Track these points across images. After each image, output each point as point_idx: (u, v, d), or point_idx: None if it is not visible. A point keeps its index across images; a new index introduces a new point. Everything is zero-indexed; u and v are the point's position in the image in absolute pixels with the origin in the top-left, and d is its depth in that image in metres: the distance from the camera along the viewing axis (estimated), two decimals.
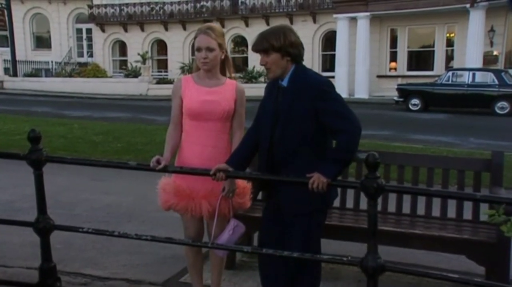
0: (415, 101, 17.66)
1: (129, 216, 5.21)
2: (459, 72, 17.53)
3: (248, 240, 3.66)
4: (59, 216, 5.11)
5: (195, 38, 2.90)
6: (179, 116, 2.96)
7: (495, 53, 21.64)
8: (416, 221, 3.47)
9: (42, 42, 32.37)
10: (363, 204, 3.69)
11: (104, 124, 12.66)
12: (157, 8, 28.81)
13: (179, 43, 28.95)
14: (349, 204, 3.73)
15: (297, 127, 2.53)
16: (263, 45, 2.57)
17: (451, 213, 3.49)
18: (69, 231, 3.16)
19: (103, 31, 30.52)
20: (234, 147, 2.88)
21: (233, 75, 3.05)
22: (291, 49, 2.55)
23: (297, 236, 2.61)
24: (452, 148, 9.72)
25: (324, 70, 24.82)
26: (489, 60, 21.07)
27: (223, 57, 2.93)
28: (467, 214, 3.46)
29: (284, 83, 2.61)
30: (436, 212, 3.53)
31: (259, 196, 3.42)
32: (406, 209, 3.58)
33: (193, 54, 28.62)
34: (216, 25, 2.97)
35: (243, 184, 2.98)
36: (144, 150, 8.86)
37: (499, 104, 16.44)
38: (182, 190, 2.88)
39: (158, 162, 2.77)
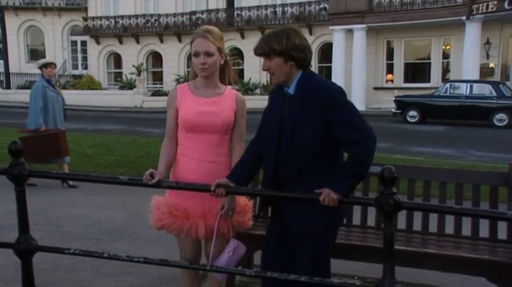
0: (413, 113, 17.53)
1: (121, 232, 4.95)
2: (456, 84, 17.43)
3: (248, 259, 3.41)
4: (47, 233, 4.89)
5: (191, 42, 2.65)
6: (175, 128, 2.72)
7: (491, 65, 21.64)
8: (429, 239, 3.23)
9: (36, 54, 32.09)
10: (371, 220, 3.51)
11: (98, 137, 12.41)
12: (152, 20, 28.76)
13: (174, 55, 28.86)
14: (356, 220, 3.50)
15: (305, 139, 2.30)
16: (263, 48, 2.35)
17: (466, 230, 3.26)
18: (54, 253, 2.88)
19: (98, 43, 30.42)
20: (234, 162, 2.65)
21: (233, 82, 2.82)
22: (295, 53, 2.31)
23: (304, 258, 2.37)
24: (453, 161, 9.53)
25: None
26: (485, 72, 21.07)
27: (222, 62, 2.71)
28: (483, 232, 3.23)
29: (291, 90, 2.37)
30: (449, 229, 3.30)
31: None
32: (417, 225, 3.35)
33: (188, 66, 28.57)
34: (214, 27, 2.74)
35: (244, 202, 2.74)
36: (138, 163, 8.62)
37: (498, 116, 16.31)
38: (177, 208, 2.64)
39: (152, 175, 2.54)
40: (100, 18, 29.84)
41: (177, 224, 2.63)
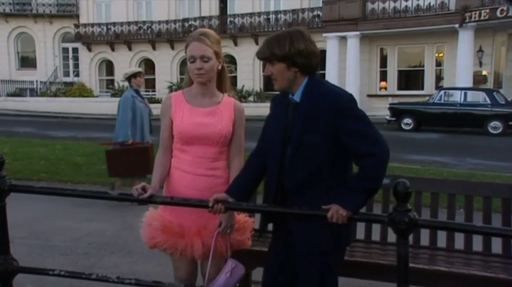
0: (407, 120, 17.44)
1: (112, 246, 4.73)
2: (451, 92, 17.38)
3: (246, 277, 3.21)
4: (33, 248, 4.66)
5: (186, 47, 2.47)
6: (169, 139, 2.53)
7: (484, 73, 21.70)
8: (437, 255, 3.06)
9: (27, 61, 31.82)
10: (375, 235, 3.33)
11: (89, 145, 12.15)
12: (145, 27, 28.59)
13: (167, 63, 28.69)
14: (359, 234, 3.31)
15: (312, 150, 2.11)
16: (265, 53, 2.18)
17: (476, 245, 3.09)
18: (37, 274, 2.67)
19: (89, 50, 30.19)
20: (233, 175, 2.47)
21: (229, 90, 2.64)
22: (299, 59, 2.13)
23: (311, 279, 2.18)
24: (451, 169, 9.40)
25: None
26: (478, 80, 21.12)
27: (219, 67, 2.53)
28: (495, 247, 3.06)
29: (296, 97, 2.19)
30: (458, 243, 3.13)
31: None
32: (424, 240, 3.18)
33: (181, 73, 28.43)
34: (210, 30, 2.56)
35: (243, 218, 2.55)
36: None
37: (492, 123, 16.26)
38: (171, 226, 2.44)
39: (144, 189, 2.35)
40: (92, 25, 29.62)
41: (171, 243, 2.44)
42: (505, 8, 19.19)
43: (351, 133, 2.06)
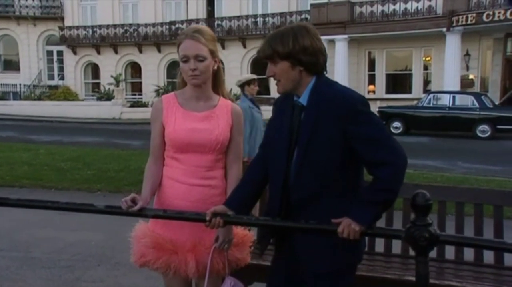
0: (396, 124, 17.38)
1: (98, 257, 4.48)
2: (439, 95, 17.38)
3: None
4: (13, 260, 4.37)
5: (178, 45, 2.24)
6: (161, 146, 2.31)
7: (471, 76, 21.83)
8: (446, 268, 2.87)
9: (10, 64, 31.23)
10: (378, 247, 3.14)
11: (74, 149, 11.85)
12: (131, 30, 28.26)
13: (153, 66, 28.40)
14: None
15: (321, 157, 1.91)
16: (266, 51, 1.96)
17: (487, 256, 2.92)
18: None
19: (75, 53, 29.77)
20: (230, 186, 2.26)
21: (225, 92, 2.43)
22: (304, 57, 1.91)
23: None
24: (444, 173, 9.30)
25: None
26: (465, 83, 21.23)
27: (215, 67, 2.31)
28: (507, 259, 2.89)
29: (302, 100, 1.97)
30: (468, 254, 2.96)
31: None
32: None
33: (168, 76, 28.17)
34: (205, 27, 2.34)
35: (242, 232, 2.33)
36: (117, 178, 8.15)
37: (480, 127, 16.27)
38: (163, 242, 2.22)
39: (134, 201, 2.12)
40: (77, 27, 29.20)
41: (163, 260, 2.21)
42: (491, 13, 19.38)
43: (364, 139, 1.86)
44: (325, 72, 2.02)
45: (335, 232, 1.86)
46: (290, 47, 1.91)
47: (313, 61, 1.95)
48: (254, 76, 5.97)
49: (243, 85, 5.81)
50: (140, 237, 2.27)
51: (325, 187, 1.92)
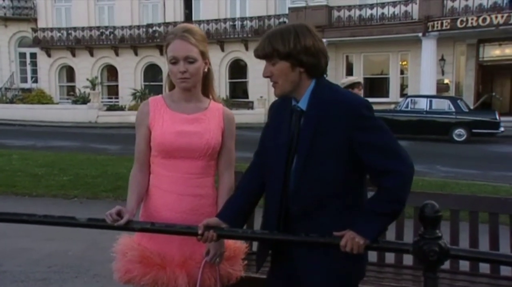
0: None
1: (76, 269, 4.27)
2: (416, 99, 17.54)
3: None
4: None
5: (166, 46, 2.11)
6: (147, 152, 2.15)
7: (446, 81, 22.20)
8: (457, 280, 2.76)
9: None
10: (389, 258, 3.02)
11: (49, 154, 11.48)
12: (107, 32, 27.82)
13: (130, 69, 28.02)
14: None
15: (323, 167, 1.79)
16: (265, 50, 1.83)
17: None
18: None
19: (49, 55, 29.14)
20: (222, 195, 2.13)
21: (215, 95, 2.29)
22: (305, 57, 1.79)
23: None
24: (424, 177, 9.30)
25: None
26: (441, 88, 21.60)
27: (206, 69, 2.17)
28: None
29: (302, 105, 1.85)
30: (484, 266, 2.86)
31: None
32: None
33: (145, 80, 27.81)
34: (195, 26, 2.21)
35: (234, 245, 2.19)
36: (94, 184, 7.89)
37: (457, 131, 16.49)
38: (150, 256, 2.07)
39: (119, 214, 1.97)
40: (51, 29, 28.59)
41: (151, 276, 2.06)
42: (464, 19, 19.77)
43: (369, 146, 1.75)
44: (325, 76, 1.90)
45: (338, 245, 1.75)
46: (291, 46, 1.80)
47: (315, 63, 1.83)
48: (359, 79, 5.58)
49: (345, 88, 5.17)
50: (125, 251, 2.11)
51: (327, 198, 1.80)
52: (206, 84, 2.22)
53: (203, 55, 2.12)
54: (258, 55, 1.86)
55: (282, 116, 1.92)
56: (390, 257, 2.96)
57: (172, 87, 2.21)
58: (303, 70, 1.83)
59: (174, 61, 2.08)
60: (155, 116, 2.13)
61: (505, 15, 18.98)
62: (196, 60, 2.08)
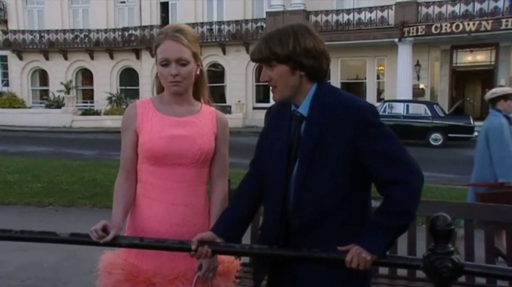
0: None
1: (52, 282, 4.07)
2: (394, 104, 17.75)
3: None
4: None
5: (156, 47, 1.97)
6: (133, 159, 2.00)
7: (421, 86, 22.54)
8: None
9: None
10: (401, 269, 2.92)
11: (22, 160, 11.12)
12: (82, 35, 27.32)
13: (106, 73, 27.59)
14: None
15: (326, 177, 1.67)
16: (262, 53, 1.71)
17: None
18: None
19: (20, 58, 28.45)
20: (215, 205, 2.00)
21: (207, 99, 2.16)
22: (306, 60, 1.68)
23: None
24: None
25: (258, 101, 24.67)
26: (417, 93, 21.93)
27: (198, 72, 2.04)
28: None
29: (302, 110, 1.73)
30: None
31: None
32: None
33: (121, 84, 27.40)
34: (186, 26, 2.07)
35: (228, 259, 2.06)
36: (70, 191, 7.65)
37: (433, 135, 16.71)
38: (138, 273, 1.92)
39: (105, 230, 1.82)
40: (23, 31, 27.93)
41: None
42: (439, 25, 20.16)
43: (376, 154, 1.64)
44: (328, 80, 1.79)
45: (342, 261, 1.63)
46: (290, 49, 1.68)
47: (316, 66, 1.72)
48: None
49: (497, 99, 4.68)
50: (110, 269, 1.95)
51: (330, 210, 1.69)
52: (198, 87, 2.09)
53: (196, 56, 1.99)
54: (255, 58, 1.74)
55: (280, 122, 1.79)
56: (402, 269, 2.87)
57: (161, 90, 2.07)
58: (303, 73, 1.72)
59: (165, 63, 1.94)
60: (144, 120, 1.98)
61: (476, 22, 19.48)
62: (188, 63, 1.95)
